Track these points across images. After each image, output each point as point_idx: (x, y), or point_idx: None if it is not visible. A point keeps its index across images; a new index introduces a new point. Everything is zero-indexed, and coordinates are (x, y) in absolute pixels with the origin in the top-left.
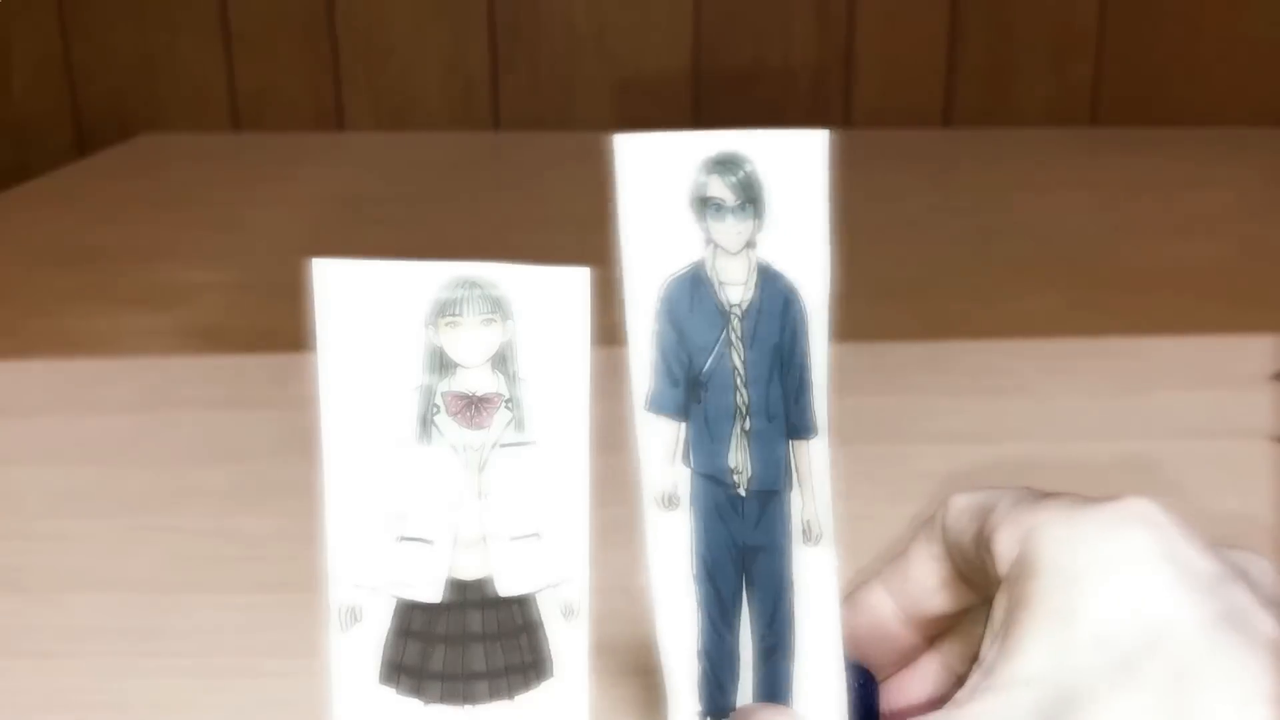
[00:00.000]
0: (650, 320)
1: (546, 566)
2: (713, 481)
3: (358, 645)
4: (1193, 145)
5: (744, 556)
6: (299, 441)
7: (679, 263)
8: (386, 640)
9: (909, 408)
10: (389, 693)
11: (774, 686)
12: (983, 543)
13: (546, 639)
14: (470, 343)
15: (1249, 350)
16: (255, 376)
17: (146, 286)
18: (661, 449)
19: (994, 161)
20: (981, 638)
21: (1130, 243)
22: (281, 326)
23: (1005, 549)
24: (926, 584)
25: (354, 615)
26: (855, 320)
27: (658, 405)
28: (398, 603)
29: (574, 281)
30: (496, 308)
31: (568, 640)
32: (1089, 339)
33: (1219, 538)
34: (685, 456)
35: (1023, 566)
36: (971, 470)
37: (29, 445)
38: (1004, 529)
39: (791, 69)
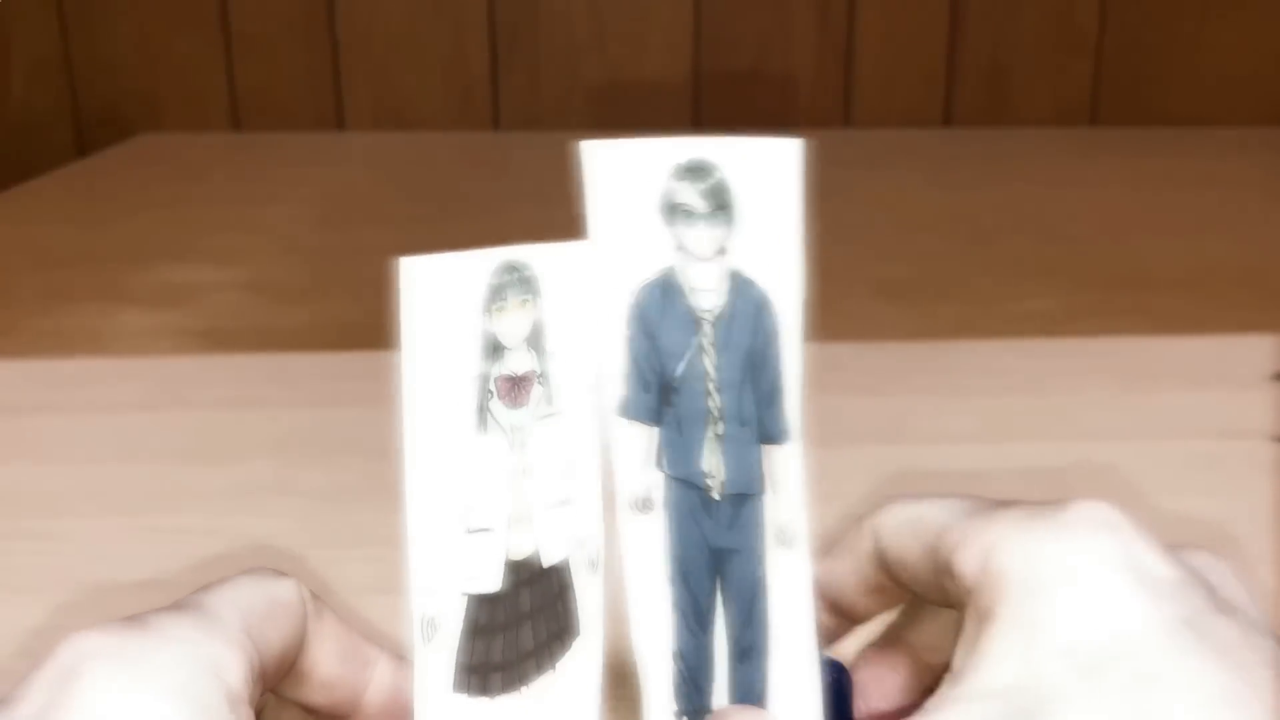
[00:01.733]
0: (621, 326)
1: (576, 528)
2: (686, 485)
3: (436, 656)
4: (1193, 145)
5: (718, 559)
6: (299, 441)
7: (649, 269)
8: (459, 645)
9: (909, 408)
10: (462, 698)
11: (749, 687)
12: (941, 566)
13: (575, 598)
14: (515, 325)
15: (1249, 350)
16: (255, 376)
17: (146, 286)
18: (635, 454)
19: (994, 161)
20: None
21: (1130, 243)
22: (282, 326)
23: (969, 568)
24: (852, 590)
25: (434, 625)
26: (855, 320)
27: (631, 411)
28: (467, 601)
29: (585, 255)
30: (530, 288)
31: (590, 594)
32: (1089, 339)
33: (1219, 537)
34: (659, 461)
35: (987, 579)
36: (972, 470)
37: (29, 445)
38: (964, 548)
39: (792, 70)
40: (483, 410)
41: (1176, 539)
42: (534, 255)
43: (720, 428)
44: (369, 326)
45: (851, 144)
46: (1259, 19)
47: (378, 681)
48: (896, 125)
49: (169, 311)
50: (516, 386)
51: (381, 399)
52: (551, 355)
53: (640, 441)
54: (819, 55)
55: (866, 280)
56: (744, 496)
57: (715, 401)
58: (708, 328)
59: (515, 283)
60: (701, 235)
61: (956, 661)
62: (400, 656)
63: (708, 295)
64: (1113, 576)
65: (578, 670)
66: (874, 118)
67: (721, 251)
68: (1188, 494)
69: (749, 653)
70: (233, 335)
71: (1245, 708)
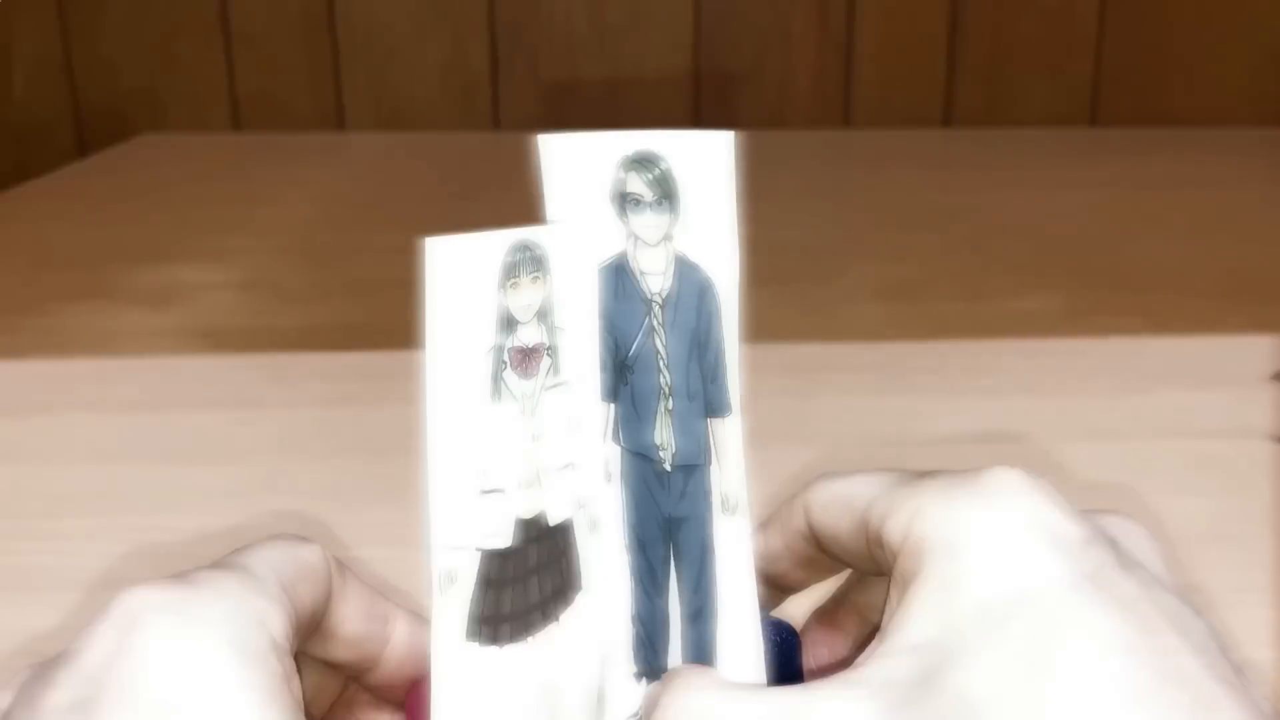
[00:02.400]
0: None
1: (579, 491)
2: (641, 458)
3: (451, 606)
4: (1193, 145)
5: (670, 527)
6: (299, 442)
7: (603, 255)
8: (472, 596)
9: (909, 408)
10: (474, 646)
11: (700, 648)
12: (872, 537)
13: (577, 556)
14: (527, 300)
15: (1249, 350)
16: (255, 376)
17: (146, 286)
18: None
19: (994, 161)
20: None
21: (1130, 243)
22: (281, 326)
23: (895, 536)
24: (785, 563)
25: (451, 577)
26: (855, 320)
27: None
28: (480, 556)
29: (586, 236)
30: (540, 266)
31: (594, 552)
32: (1089, 339)
33: (1219, 536)
34: (615, 435)
35: (910, 545)
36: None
37: (29, 445)
38: (892, 519)
39: (791, 69)
40: (497, 380)
41: (1176, 539)
42: (544, 235)
43: (670, 403)
44: (368, 327)
45: (851, 144)
46: (1259, 19)
47: (397, 637)
48: (896, 125)
49: (169, 311)
50: (528, 358)
51: (381, 399)
52: (558, 329)
53: (598, 418)
54: (819, 55)
55: (866, 280)
56: (692, 467)
57: (666, 378)
58: (657, 309)
59: (528, 260)
60: (649, 222)
61: (884, 622)
62: (416, 614)
63: (656, 279)
64: (1022, 535)
65: (579, 623)
66: (874, 118)
67: (667, 237)
68: (1188, 494)
69: (699, 615)
70: (233, 335)
71: (1139, 655)
